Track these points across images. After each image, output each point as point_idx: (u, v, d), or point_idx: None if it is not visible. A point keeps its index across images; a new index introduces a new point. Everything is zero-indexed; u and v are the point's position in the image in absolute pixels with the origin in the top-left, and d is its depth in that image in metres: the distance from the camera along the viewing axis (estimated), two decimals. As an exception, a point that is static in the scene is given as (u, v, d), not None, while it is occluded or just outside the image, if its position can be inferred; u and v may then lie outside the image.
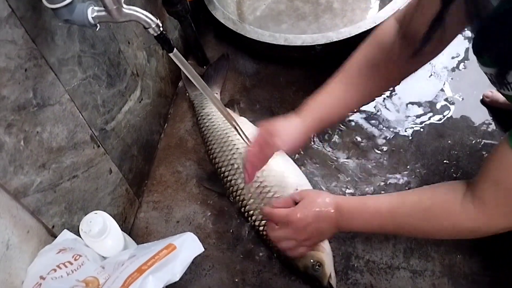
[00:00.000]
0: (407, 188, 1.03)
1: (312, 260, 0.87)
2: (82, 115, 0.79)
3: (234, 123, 0.92)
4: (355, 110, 0.95)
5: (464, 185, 0.71)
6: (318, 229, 0.83)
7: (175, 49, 0.72)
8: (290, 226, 0.83)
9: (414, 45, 0.74)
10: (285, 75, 1.24)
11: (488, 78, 0.69)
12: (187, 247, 0.68)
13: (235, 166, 1.00)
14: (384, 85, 0.89)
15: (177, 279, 0.65)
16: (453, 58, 1.25)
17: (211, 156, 1.06)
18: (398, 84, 0.88)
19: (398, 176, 1.05)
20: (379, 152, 1.09)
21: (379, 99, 1.18)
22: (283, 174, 0.98)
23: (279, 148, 0.83)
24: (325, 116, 0.86)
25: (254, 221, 0.95)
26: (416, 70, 0.87)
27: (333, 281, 0.88)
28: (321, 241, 0.88)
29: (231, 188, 1.00)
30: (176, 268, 0.65)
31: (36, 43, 0.65)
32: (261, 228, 0.94)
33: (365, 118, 1.15)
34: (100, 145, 0.86)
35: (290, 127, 0.84)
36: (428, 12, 0.65)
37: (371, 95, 0.91)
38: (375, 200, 0.81)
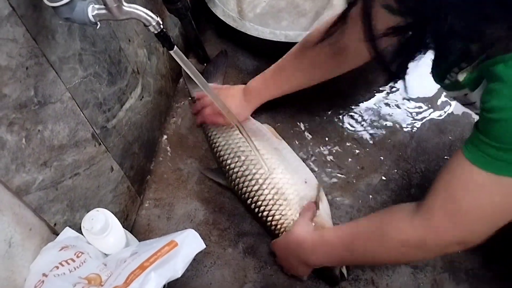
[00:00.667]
0: (407, 184, 1.03)
1: None
2: (83, 113, 0.79)
3: (235, 120, 0.92)
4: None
5: (416, 204, 0.70)
6: (291, 263, 0.89)
7: (175, 46, 0.72)
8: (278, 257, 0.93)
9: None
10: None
11: (460, 103, 0.70)
12: (189, 243, 0.68)
13: (242, 158, 1.01)
14: (313, 70, 0.95)
15: (179, 275, 0.66)
16: (453, 54, 1.25)
17: (215, 149, 1.07)
18: (329, 77, 0.95)
19: (399, 172, 1.05)
20: (379, 148, 1.09)
21: (379, 95, 1.18)
22: (291, 167, 0.99)
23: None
24: (274, 94, 1.02)
25: (262, 211, 0.96)
26: (342, 71, 0.93)
27: (345, 270, 0.90)
28: (299, 272, 0.91)
29: (237, 180, 1.00)
30: (178, 264, 0.65)
31: (37, 42, 0.65)
32: (269, 219, 0.95)
33: (366, 114, 1.16)
34: (101, 143, 0.86)
35: (238, 105, 1.02)
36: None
37: (306, 80, 0.97)
38: (333, 231, 0.85)
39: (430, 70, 0.70)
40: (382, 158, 1.08)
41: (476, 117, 0.65)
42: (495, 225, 0.62)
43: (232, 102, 1.01)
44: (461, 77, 0.62)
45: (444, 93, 1.17)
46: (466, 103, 0.68)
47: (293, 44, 1.13)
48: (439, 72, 0.69)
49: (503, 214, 0.61)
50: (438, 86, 1.16)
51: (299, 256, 0.86)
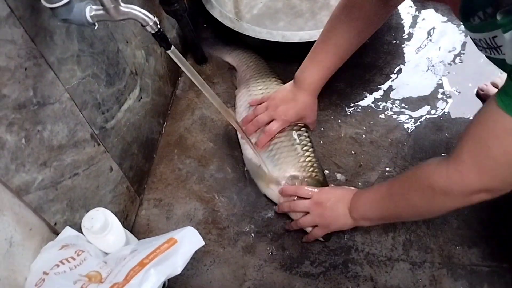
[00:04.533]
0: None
1: None
2: (82, 114, 0.80)
3: (233, 120, 0.93)
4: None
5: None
6: (332, 207, 0.91)
7: (172, 46, 0.72)
8: (312, 199, 0.94)
9: None
10: (283, 72, 1.24)
11: (477, 45, 0.69)
12: (188, 240, 0.68)
13: None
14: (364, 27, 0.96)
15: (179, 272, 0.66)
16: (449, 52, 1.26)
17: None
18: (379, 26, 0.98)
19: (396, 169, 1.06)
20: (377, 146, 1.10)
21: (376, 94, 1.19)
22: None
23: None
24: (328, 78, 1.03)
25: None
26: (390, 14, 0.98)
27: None
28: (331, 227, 0.93)
29: None
30: (177, 261, 0.66)
31: (35, 43, 0.66)
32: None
33: (363, 113, 1.16)
34: (101, 144, 0.87)
35: (313, 105, 1.06)
36: None
37: (358, 39, 0.98)
38: (372, 188, 0.90)
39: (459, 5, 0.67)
40: (379, 156, 1.08)
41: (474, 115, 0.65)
42: None
43: (295, 106, 1.04)
44: (500, 16, 0.60)
45: (442, 90, 1.18)
46: (488, 47, 0.65)
47: (290, 44, 1.15)
48: (470, 7, 0.65)
49: None
50: (435, 84, 1.19)
51: (338, 210, 0.90)
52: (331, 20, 0.97)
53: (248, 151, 1.05)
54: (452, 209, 0.73)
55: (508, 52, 0.58)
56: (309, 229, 0.95)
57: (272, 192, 1.01)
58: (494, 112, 0.59)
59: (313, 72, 1.01)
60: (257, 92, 1.15)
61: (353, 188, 0.95)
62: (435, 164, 0.71)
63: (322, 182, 1.00)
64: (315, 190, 0.95)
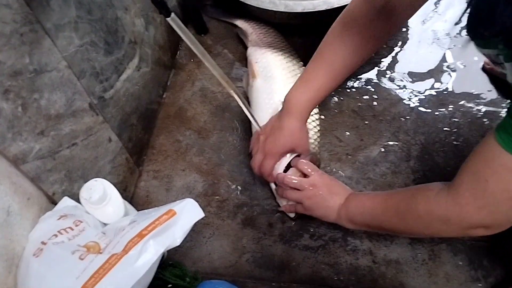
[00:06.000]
0: (406, 156, 1.03)
1: None
2: (80, 82, 0.78)
3: (234, 92, 0.91)
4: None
5: (447, 183, 0.70)
6: (324, 195, 0.88)
7: (172, 13, 0.70)
8: (311, 179, 0.91)
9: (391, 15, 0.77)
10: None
11: (490, 59, 0.68)
12: (187, 212, 0.68)
13: None
14: (361, 44, 0.85)
15: (178, 243, 0.66)
16: (456, 24, 1.23)
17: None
18: (381, 46, 0.92)
19: (398, 144, 1.05)
20: (379, 120, 1.09)
21: (380, 67, 1.17)
22: None
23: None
24: (318, 101, 0.92)
25: None
26: (394, 32, 0.87)
27: None
28: (314, 212, 0.90)
29: None
30: (176, 233, 0.65)
31: (31, 8, 0.64)
32: None
33: (365, 86, 1.15)
34: (99, 113, 0.86)
35: (300, 131, 0.93)
36: None
37: (354, 57, 0.87)
38: (368, 195, 0.86)
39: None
40: (381, 130, 1.07)
41: (478, 89, 0.64)
42: None
43: (280, 135, 0.91)
44: (501, 45, 0.60)
45: (447, 63, 1.16)
46: (494, 62, 0.66)
47: (292, 14, 1.12)
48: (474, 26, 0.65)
49: None
50: (440, 57, 1.17)
51: (329, 201, 0.87)
52: (326, 35, 0.87)
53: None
54: (447, 237, 0.73)
55: (509, 76, 0.59)
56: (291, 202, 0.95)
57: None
58: (493, 147, 0.59)
59: (300, 93, 0.90)
60: (280, 56, 1.13)
61: (351, 190, 0.90)
62: (436, 191, 0.69)
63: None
64: (319, 171, 0.93)
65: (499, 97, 1.08)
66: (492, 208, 0.62)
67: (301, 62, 1.13)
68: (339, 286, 0.89)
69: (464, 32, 1.21)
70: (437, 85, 1.13)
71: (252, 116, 0.96)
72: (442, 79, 1.14)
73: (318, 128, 1.03)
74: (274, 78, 1.07)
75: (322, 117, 1.10)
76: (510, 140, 0.57)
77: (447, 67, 1.16)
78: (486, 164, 0.61)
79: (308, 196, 0.90)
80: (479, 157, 0.63)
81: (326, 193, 0.89)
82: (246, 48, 1.22)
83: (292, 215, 0.96)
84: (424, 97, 1.12)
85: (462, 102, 1.09)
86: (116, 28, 0.91)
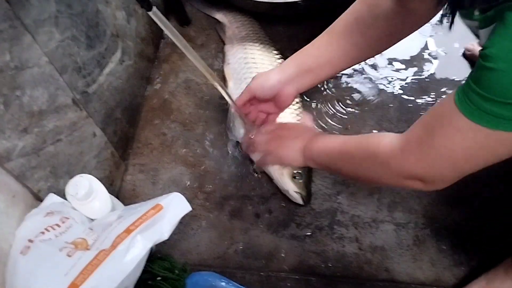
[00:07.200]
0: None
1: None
2: (62, 78, 0.78)
3: (216, 82, 0.90)
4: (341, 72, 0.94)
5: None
6: (289, 137, 0.91)
7: (154, 7, 0.70)
8: (275, 129, 0.93)
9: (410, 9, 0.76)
10: (269, 34, 1.21)
11: (473, 32, 0.69)
12: (174, 206, 0.68)
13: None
14: (372, 46, 0.85)
15: (166, 238, 0.66)
16: (436, 12, 1.24)
17: None
18: (387, 48, 0.85)
19: (382, 132, 1.06)
20: (363, 108, 1.10)
21: (363, 56, 1.18)
22: None
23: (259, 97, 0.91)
24: (310, 68, 0.87)
25: None
26: (407, 34, 0.84)
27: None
28: (283, 157, 0.91)
29: None
30: (164, 227, 0.66)
31: (10, 3, 0.63)
32: None
33: (349, 75, 1.15)
34: (83, 109, 0.85)
35: (267, 78, 0.89)
36: None
37: (358, 56, 0.87)
38: (336, 137, 0.87)
39: None
40: (365, 118, 1.08)
41: (460, 76, 0.64)
42: (459, 171, 0.63)
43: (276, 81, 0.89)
44: (477, 11, 0.60)
45: (429, 50, 1.17)
46: (476, 34, 0.66)
47: (275, 3, 1.12)
48: None
49: (470, 162, 0.61)
50: (422, 44, 1.18)
51: (294, 145, 0.88)
52: (338, 28, 0.84)
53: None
54: (385, 184, 0.73)
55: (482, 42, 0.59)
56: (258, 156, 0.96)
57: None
58: (449, 106, 0.59)
59: (291, 59, 0.89)
60: (254, 51, 1.13)
61: (317, 130, 0.92)
62: (388, 137, 0.70)
63: None
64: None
65: (480, 83, 1.10)
66: (432, 162, 0.63)
67: (278, 55, 1.13)
68: (326, 273, 0.91)
69: (445, 20, 1.22)
70: (419, 72, 1.14)
71: (233, 102, 0.96)
72: (424, 66, 1.15)
73: (301, 116, 1.04)
74: (245, 79, 1.08)
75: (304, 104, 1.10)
76: (466, 101, 0.57)
77: (429, 54, 1.17)
78: (439, 120, 0.62)
79: (273, 138, 0.91)
80: (435, 113, 0.64)
81: (290, 140, 0.90)
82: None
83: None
84: (406, 84, 1.13)
85: (444, 89, 1.11)
86: (97, 22, 0.90)
